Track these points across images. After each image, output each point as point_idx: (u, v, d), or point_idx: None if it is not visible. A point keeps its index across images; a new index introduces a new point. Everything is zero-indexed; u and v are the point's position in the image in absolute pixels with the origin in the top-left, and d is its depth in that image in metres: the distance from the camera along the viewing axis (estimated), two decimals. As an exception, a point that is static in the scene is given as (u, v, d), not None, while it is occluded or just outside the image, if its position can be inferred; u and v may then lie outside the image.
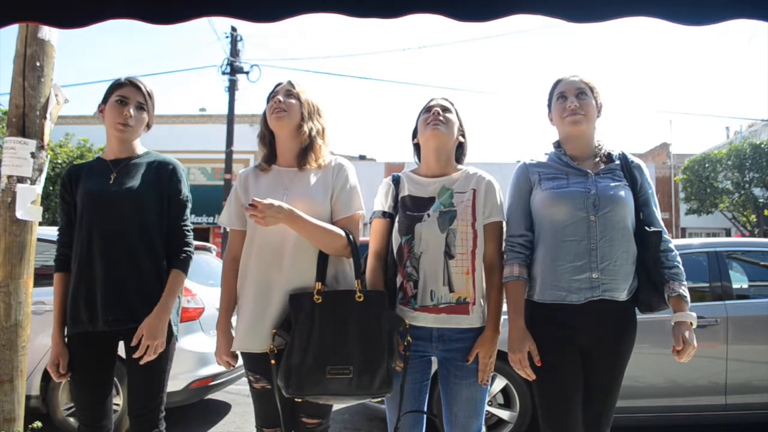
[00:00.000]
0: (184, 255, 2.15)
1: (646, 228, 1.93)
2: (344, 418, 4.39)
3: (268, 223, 1.78)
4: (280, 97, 1.99)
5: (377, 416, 4.22)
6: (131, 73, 3.17)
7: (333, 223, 1.94)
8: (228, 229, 2.11)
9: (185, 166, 2.29)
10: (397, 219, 2.02)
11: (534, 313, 1.95)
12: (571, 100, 1.99)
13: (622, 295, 1.90)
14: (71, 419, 3.63)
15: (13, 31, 2.91)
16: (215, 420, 4.34)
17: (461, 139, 2.10)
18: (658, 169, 20.21)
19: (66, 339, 2.09)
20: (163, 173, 2.15)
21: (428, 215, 1.96)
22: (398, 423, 1.89)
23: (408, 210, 2.00)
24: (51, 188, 9.34)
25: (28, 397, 3.15)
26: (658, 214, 2.01)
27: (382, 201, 2.10)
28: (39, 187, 2.94)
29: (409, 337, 1.86)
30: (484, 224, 1.98)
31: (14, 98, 2.87)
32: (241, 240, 2.01)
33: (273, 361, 1.83)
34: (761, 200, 16.51)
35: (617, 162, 2.02)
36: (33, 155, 2.88)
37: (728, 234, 18.73)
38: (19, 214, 2.83)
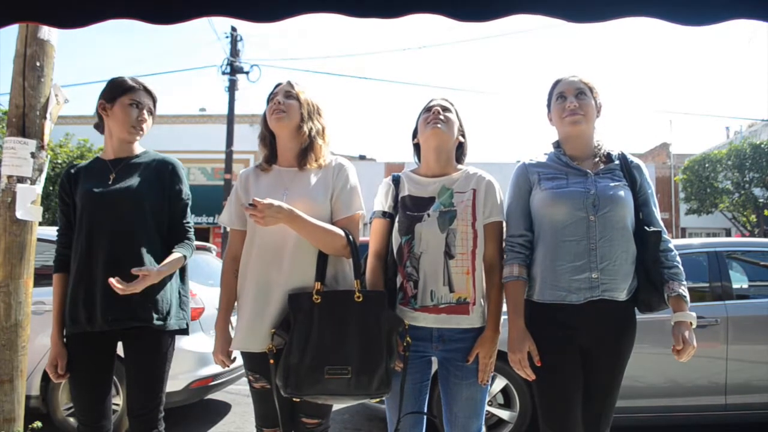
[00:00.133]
0: (186, 242, 2.17)
1: (646, 228, 1.93)
2: (344, 418, 4.39)
3: (268, 222, 1.78)
4: (280, 98, 2.00)
5: (377, 416, 4.22)
6: (131, 72, 3.15)
7: (333, 223, 1.94)
8: (228, 229, 2.11)
9: (185, 166, 2.30)
10: (397, 219, 2.02)
11: (534, 313, 1.95)
12: (571, 100, 1.99)
13: (622, 295, 1.90)
14: (71, 419, 3.62)
15: (13, 31, 2.92)
16: (215, 420, 4.34)
17: (461, 139, 2.10)
18: (658, 169, 20.20)
19: (65, 339, 2.10)
20: (163, 172, 2.16)
21: (428, 215, 1.96)
22: (398, 424, 1.89)
23: (408, 210, 2.00)
24: (51, 188, 9.34)
25: (28, 397, 3.15)
26: (658, 214, 2.01)
27: (382, 201, 2.10)
28: (39, 187, 2.94)
29: (408, 338, 1.86)
30: (484, 224, 1.98)
31: (14, 98, 2.87)
32: (241, 240, 2.01)
33: (272, 361, 1.83)
34: (761, 200, 16.51)
35: (617, 162, 2.02)
36: (33, 155, 2.88)
37: (728, 234, 18.73)
38: (19, 214, 2.83)
